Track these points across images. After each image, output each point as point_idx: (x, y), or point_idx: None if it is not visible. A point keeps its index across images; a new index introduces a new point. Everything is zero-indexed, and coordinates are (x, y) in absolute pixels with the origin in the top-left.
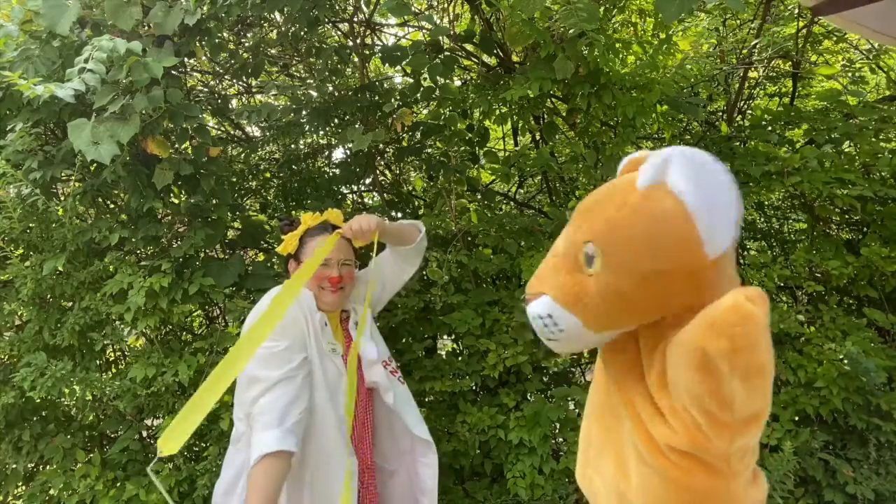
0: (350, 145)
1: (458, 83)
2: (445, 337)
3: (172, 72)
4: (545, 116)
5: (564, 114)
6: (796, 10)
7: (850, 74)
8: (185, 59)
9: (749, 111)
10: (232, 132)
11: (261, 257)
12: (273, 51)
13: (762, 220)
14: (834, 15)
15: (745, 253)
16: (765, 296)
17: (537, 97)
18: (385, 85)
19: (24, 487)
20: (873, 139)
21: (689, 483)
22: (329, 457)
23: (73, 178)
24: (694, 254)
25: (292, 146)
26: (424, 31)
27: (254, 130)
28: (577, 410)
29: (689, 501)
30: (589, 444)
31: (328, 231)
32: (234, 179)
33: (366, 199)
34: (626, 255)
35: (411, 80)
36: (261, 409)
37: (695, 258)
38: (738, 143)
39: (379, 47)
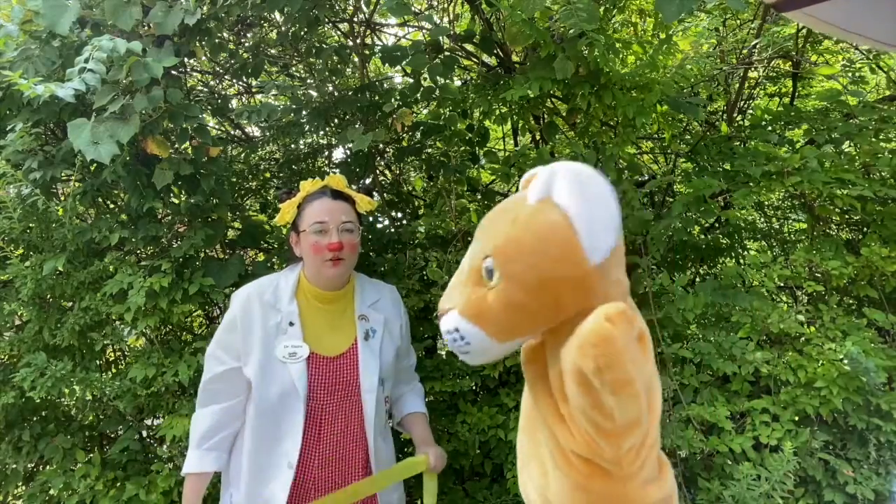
0: (350, 145)
1: (458, 83)
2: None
3: (172, 72)
4: (545, 116)
5: (564, 114)
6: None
7: (850, 74)
8: (185, 59)
9: (749, 111)
10: (232, 132)
11: (261, 257)
12: (273, 51)
13: (762, 220)
14: (796, 11)
15: (745, 253)
16: (625, 313)
17: (537, 97)
18: (385, 85)
19: (24, 487)
20: (873, 139)
21: (589, 486)
22: (264, 460)
23: (73, 178)
24: (578, 262)
25: (292, 146)
26: (424, 31)
27: (254, 130)
28: None
29: (591, 503)
30: (521, 452)
31: (327, 195)
32: (234, 179)
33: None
34: (520, 267)
35: (411, 80)
36: (191, 424)
37: (579, 266)
38: (738, 143)
39: (379, 47)
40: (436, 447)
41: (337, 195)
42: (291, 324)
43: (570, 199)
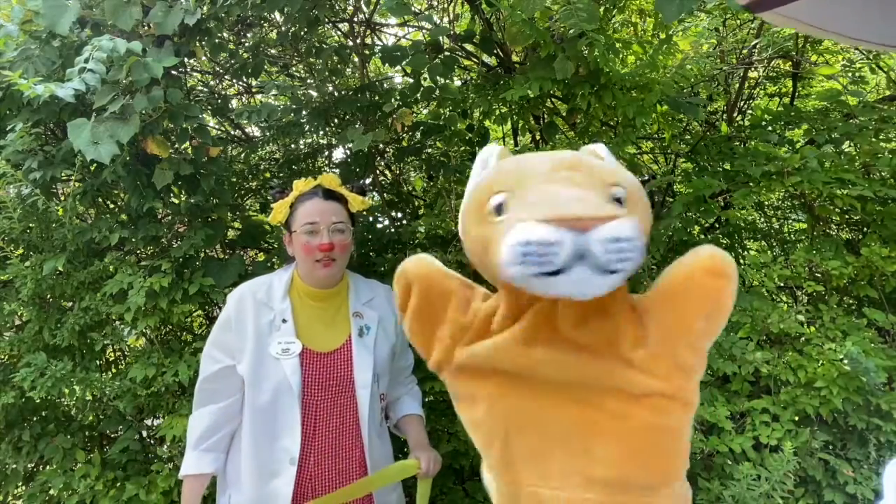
0: (350, 145)
1: (458, 83)
2: None
3: (172, 72)
4: (545, 116)
5: (564, 114)
6: None
7: (850, 74)
8: (185, 59)
9: (749, 111)
10: (232, 132)
11: (261, 257)
12: (273, 51)
13: (762, 220)
14: (769, 12)
15: (746, 253)
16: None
17: (537, 97)
18: (385, 85)
19: (24, 487)
20: (873, 139)
21: (668, 424)
22: (261, 461)
23: (73, 178)
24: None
25: (292, 146)
26: (424, 31)
27: (254, 130)
28: None
29: (670, 440)
30: (526, 460)
31: (319, 195)
32: (234, 179)
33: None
34: (640, 205)
35: (411, 80)
36: (188, 426)
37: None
38: (738, 143)
39: (379, 47)
40: (429, 451)
41: (329, 195)
42: (284, 321)
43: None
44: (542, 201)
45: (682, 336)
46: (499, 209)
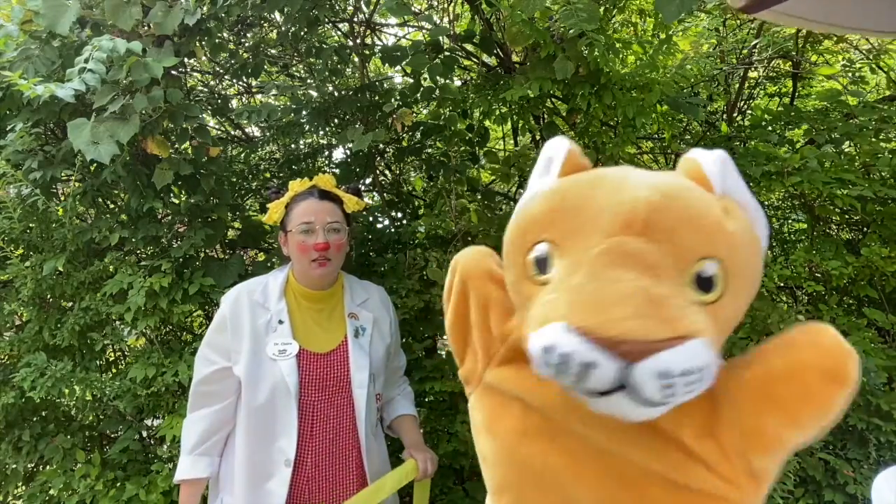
0: (350, 145)
1: (458, 83)
2: (445, 337)
3: (172, 72)
4: (545, 116)
5: (564, 114)
6: None
7: (850, 74)
8: (185, 59)
9: (749, 111)
10: (232, 132)
11: (261, 257)
12: (273, 51)
13: None
14: (766, 11)
15: None
16: None
17: (537, 97)
18: (385, 85)
19: (24, 487)
20: (873, 139)
21: None
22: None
23: (73, 178)
24: (760, 277)
25: (292, 146)
26: (424, 31)
27: (254, 130)
28: None
29: None
30: None
31: (314, 196)
32: (234, 179)
33: (366, 199)
34: (746, 271)
35: (411, 80)
36: (183, 430)
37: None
38: (738, 143)
39: (379, 47)
40: (425, 451)
41: (324, 195)
42: (281, 322)
43: (748, 196)
44: (587, 296)
45: (769, 443)
46: (541, 264)
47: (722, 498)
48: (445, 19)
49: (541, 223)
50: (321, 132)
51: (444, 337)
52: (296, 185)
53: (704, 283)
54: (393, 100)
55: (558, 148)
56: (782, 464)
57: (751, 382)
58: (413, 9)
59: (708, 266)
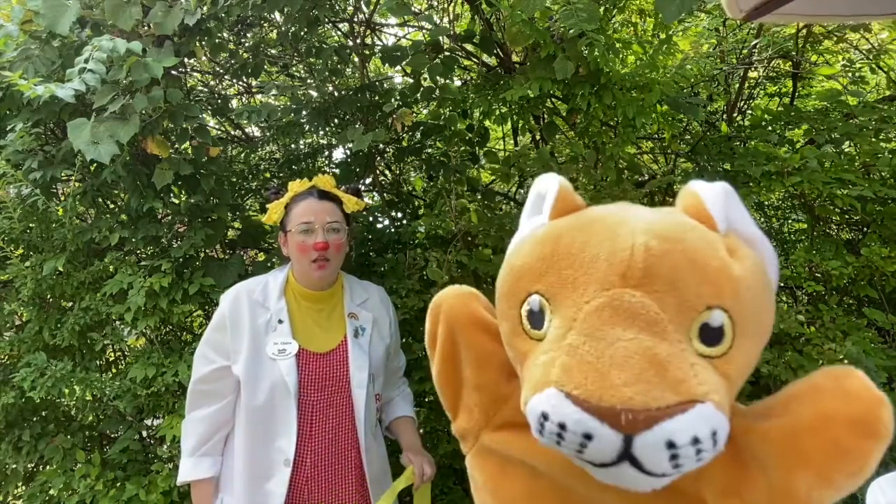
0: (350, 145)
1: (458, 83)
2: None
3: (172, 72)
4: (545, 116)
5: (564, 114)
6: None
7: (850, 74)
8: (185, 59)
9: (749, 111)
10: (232, 132)
11: (261, 257)
12: (273, 51)
13: (762, 220)
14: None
15: None
16: None
17: (537, 97)
18: (385, 85)
19: (24, 487)
20: (873, 139)
21: None
22: (257, 461)
23: (73, 178)
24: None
25: (292, 146)
26: (424, 31)
27: (254, 130)
28: None
29: None
30: None
31: (314, 196)
32: (234, 179)
33: (366, 199)
34: (755, 316)
35: (411, 80)
36: (182, 431)
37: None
38: (738, 143)
39: (379, 47)
40: (422, 455)
41: (324, 195)
42: (280, 321)
43: (755, 231)
44: (584, 360)
45: (792, 500)
46: (534, 319)
47: None
48: (445, 19)
49: (532, 273)
50: (321, 132)
51: None
52: (295, 186)
53: (711, 335)
54: (393, 100)
55: (549, 186)
56: None
57: (776, 436)
58: (413, 9)
59: (715, 316)
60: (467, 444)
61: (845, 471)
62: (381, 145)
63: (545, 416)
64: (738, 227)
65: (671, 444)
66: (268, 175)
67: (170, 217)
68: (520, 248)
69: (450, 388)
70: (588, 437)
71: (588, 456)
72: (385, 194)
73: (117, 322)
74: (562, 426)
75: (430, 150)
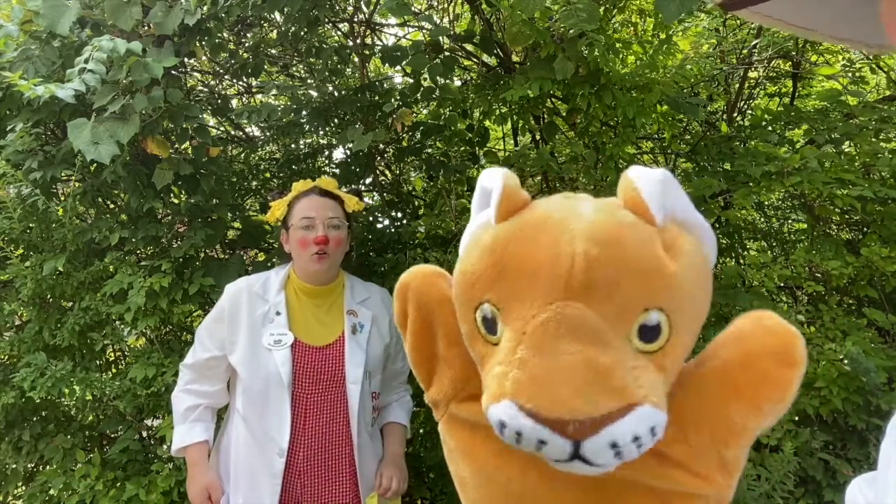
0: (350, 145)
1: (458, 83)
2: None
3: (172, 72)
4: (545, 116)
5: (564, 114)
6: None
7: (850, 74)
8: (185, 59)
9: (749, 111)
10: (232, 132)
11: (261, 257)
12: (273, 51)
13: (762, 220)
14: (746, 10)
15: (745, 253)
16: None
17: (537, 97)
18: (385, 85)
19: (24, 487)
20: (873, 139)
21: None
22: (256, 449)
23: (73, 178)
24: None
25: (292, 146)
26: (424, 31)
27: (254, 130)
28: None
29: None
30: None
31: (316, 193)
32: (234, 179)
33: (366, 199)
34: (691, 309)
35: (411, 80)
36: (172, 403)
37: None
38: (738, 143)
39: (379, 47)
40: (395, 470)
41: (325, 193)
42: (278, 313)
43: (692, 215)
44: (533, 370)
45: (735, 435)
46: (488, 325)
47: (699, 496)
48: (445, 19)
49: (483, 282)
50: (321, 132)
51: None
52: (298, 186)
53: (649, 333)
54: (393, 100)
55: (493, 182)
56: (747, 452)
57: (710, 377)
58: (413, 9)
59: (651, 317)
60: (439, 412)
61: (772, 397)
62: (381, 145)
63: (503, 425)
64: (677, 214)
65: (614, 445)
66: (268, 175)
67: (170, 217)
68: (469, 253)
69: (423, 363)
70: (542, 442)
71: (545, 455)
72: (385, 194)
73: (117, 322)
74: (518, 434)
75: (430, 150)
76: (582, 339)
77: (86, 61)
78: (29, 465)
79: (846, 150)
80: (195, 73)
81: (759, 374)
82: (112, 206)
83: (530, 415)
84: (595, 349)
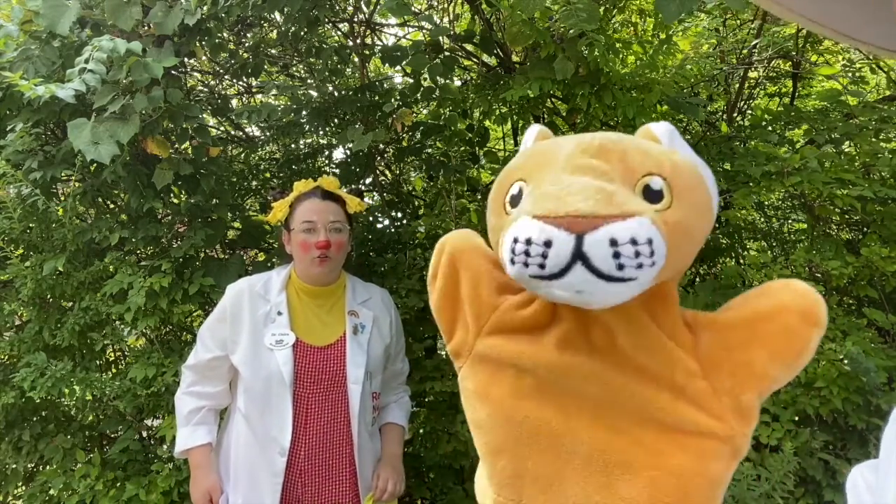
0: (350, 145)
1: (458, 83)
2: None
3: (172, 72)
4: (545, 116)
5: (564, 114)
6: None
7: (850, 74)
8: (185, 59)
9: (749, 111)
10: (232, 132)
11: (261, 257)
12: (273, 51)
13: (762, 220)
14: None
15: (745, 253)
16: None
17: (537, 97)
18: (385, 85)
19: (24, 487)
20: (873, 139)
21: (711, 471)
22: (258, 444)
23: (73, 178)
24: (711, 220)
25: (292, 146)
26: (424, 31)
27: (254, 130)
28: None
29: (708, 490)
30: (536, 478)
31: (318, 196)
32: (234, 179)
33: (366, 199)
34: (692, 193)
35: (411, 80)
36: (176, 405)
37: (710, 224)
38: (738, 143)
39: (379, 47)
40: (392, 472)
41: (327, 195)
42: (279, 313)
43: (697, 159)
44: (549, 194)
45: (754, 379)
46: (514, 200)
47: (711, 434)
48: (445, 19)
49: (515, 170)
50: (321, 132)
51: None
52: (300, 186)
53: (653, 195)
54: (393, 100)
55: (532, 131)
56: (762, 402)
57: (736, 324)
58: (413, 9)
59: (655, 181)
60: (461, 359)
61: (793, 350)
62: (381, 145)
63: (516, 240)
64: (681, 152)
65: (613, 242)
66: (268, 175)
67: (170, 217)
68: (504, 168)
69: (448, 312)
70: (548, 244)
71: (550, 262)
72: (385, 194)
73: (117, 322)
74: (528, 241)
75: (430, 150)
76: (592, 176)
77: (86, 61)
78: (29, 465)
79: (846, 150)
80: (195, 73)
81: (783, 326)
82: (112, 206)
83: (541, 219)
84: (602, 182)
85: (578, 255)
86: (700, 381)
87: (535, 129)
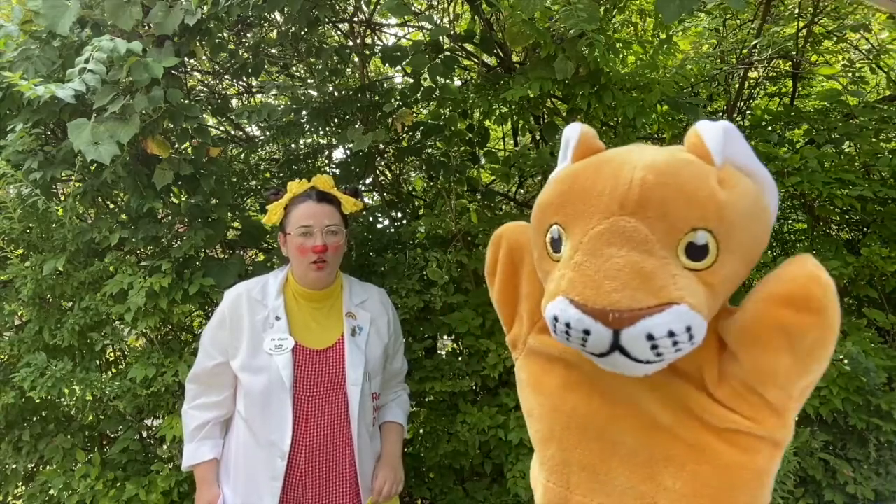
0: (350, 145)
1: (458, 83)
2: (445, 337)
3: (172, 72)
4: (545, 116)
5: (564, 114)
6: (796, 10)
7: (850, 74)
8: (185, 59)
9: (749, 111)
10: (232, 132)
11: (261, 257)
12: (273, 51)
13: None
14: None
15: None
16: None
17: (537, 97)
18: (385, 85)
19: (24, 487)
20: (873, 139)
21: (751, 463)
22: (253, 448)
23: (73, 178)
24: (770, 228)
25: (292, 146)
26: (424, 31)
27: (254, 130)
28: None
29: (751, 481)
30: (583, 467)
31: (313, 198)
32: (234, 179)
33: (366, 199)
34: (741, 235)
35: (411, 80)
36: (182, 419)
37: (769, 231)
38: None
39: (379, 47)
40: (390, 471)
41: (322, 197)
42: (278, 318)
43: (755, 164)
44: (585, 274)
45: (766, 378)
46: (554, 245)
47: (749, 434)
48: (445, 19)
49: (553, 207)
50: (321, 132)
51: (444, 337)
52: (294, 187)
53: (697, 252)
54: (393, 100)
55: (572, 132)
56: (801, 393)
57: (742, 324)
58: (413, 9)
59: (699, 236)
60: (517, 351)
61: (798, 347)
62: (381, 145)
63: (556, 319)
64: (737, 160)
65: (650, 337)
66: (268, 175)
67: (170, 217)
68: (546, 187)
69: (509, 304)
70: (587, 332)
71: (589, 347)
72: (385, 194)
73: (117, 322)
74: (567, 325)
75: (430, 150)
76: (630, 247)
77: (86, 61)
78: (29, 465)
79: (846, 150)
80: (195, 73)
81: (775, 322)
82: (112, 206)
83: (577, 306)
84: (640, 256)
85: (616, 347)
86: (725, 385)
87: (577, 130)
